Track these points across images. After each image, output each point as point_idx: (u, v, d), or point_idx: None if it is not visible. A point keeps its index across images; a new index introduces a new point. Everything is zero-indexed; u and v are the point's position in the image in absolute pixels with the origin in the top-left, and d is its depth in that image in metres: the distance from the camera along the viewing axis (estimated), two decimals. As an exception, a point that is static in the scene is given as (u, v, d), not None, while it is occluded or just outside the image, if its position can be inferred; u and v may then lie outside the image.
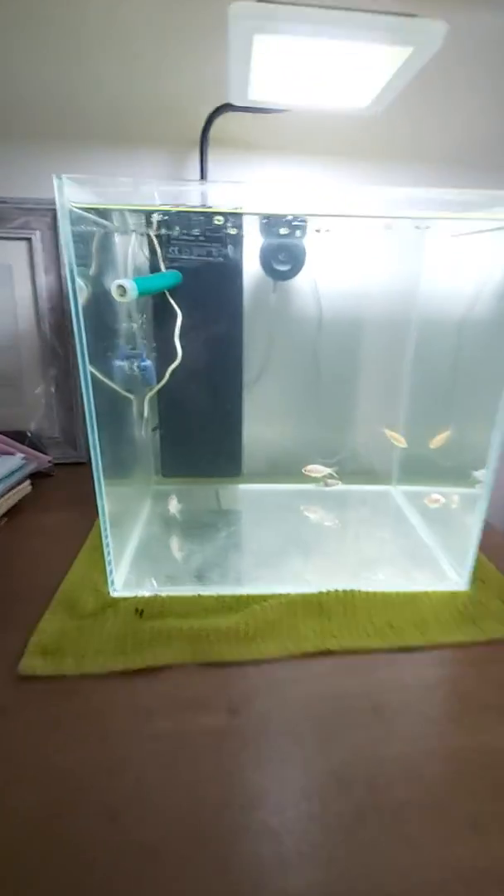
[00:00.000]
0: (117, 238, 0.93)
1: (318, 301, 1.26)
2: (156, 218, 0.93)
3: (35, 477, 1.24)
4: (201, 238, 0.97)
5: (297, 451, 1.32)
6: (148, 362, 1.03)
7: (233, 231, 0.97)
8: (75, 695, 0.60)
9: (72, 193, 0.65)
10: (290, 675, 0.70)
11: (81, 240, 0.71)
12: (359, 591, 0.85)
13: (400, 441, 1.16)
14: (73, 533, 1.02)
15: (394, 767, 0.52)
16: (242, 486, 1.29)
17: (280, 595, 0.79)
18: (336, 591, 0.84)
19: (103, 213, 0.85)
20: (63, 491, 1.22)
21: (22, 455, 1.24)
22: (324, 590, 0.82)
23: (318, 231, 1.00)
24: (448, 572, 0.88)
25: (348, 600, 0.83)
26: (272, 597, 0.79)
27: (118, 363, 1.01)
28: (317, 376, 1.32)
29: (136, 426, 1.09)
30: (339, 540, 1.03)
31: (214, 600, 0.84)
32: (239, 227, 0.97)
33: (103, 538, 0.83)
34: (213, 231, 0.97)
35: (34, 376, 1.36)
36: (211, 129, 1.22)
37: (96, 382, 0.77)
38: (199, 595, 0.85)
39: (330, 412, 1.34)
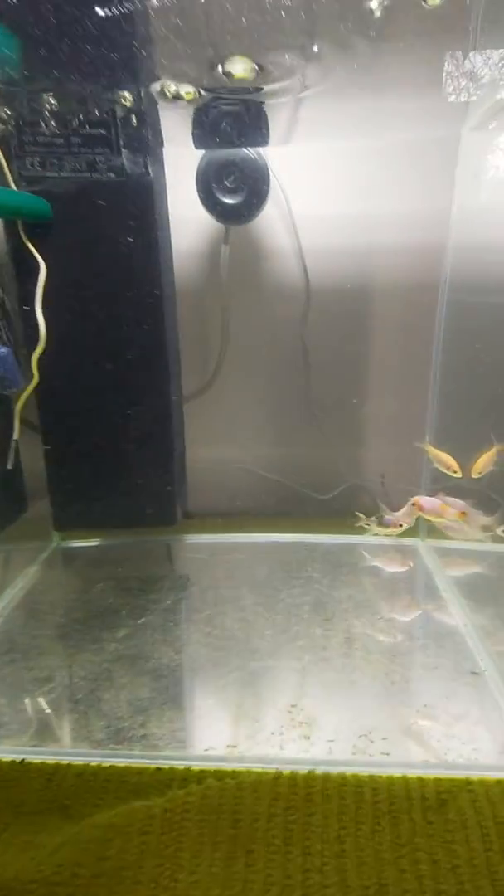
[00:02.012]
0: None
1: (301, 258, 0.88)
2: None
3: None
4: (73, 137, 0.62)
5: (276, 484, 0.94)
6: (4, 350, 0.69)
7: (131, 117, 0.62)
8: None
9: None
10: None
11: None
12: (326, 774, 0.44)
13: (451, 467, 0.74)
14: None
15: None
16: (189, 539, 0.91)
17: (172, 774, 0.46)
18: (296, 773, 0.44)
19: None
20: None
21: None
22: (272, 768, 0.43)
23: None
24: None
25: (318, 800, 0.43)
26: (155, 777, 0.46)
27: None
28: (304, 374, 0.93)
29: None
30: (322, 648, 0.62)
31: (44, 780, 0.46)
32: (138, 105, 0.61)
33: None
34: (97, 121, 0.62)
35: None
36: None
37: None
38: (23, 763, 0.47)
39: (325, 426, 0.94)
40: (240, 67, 0.63)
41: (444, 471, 0.74)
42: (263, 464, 0.97)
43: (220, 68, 0.61)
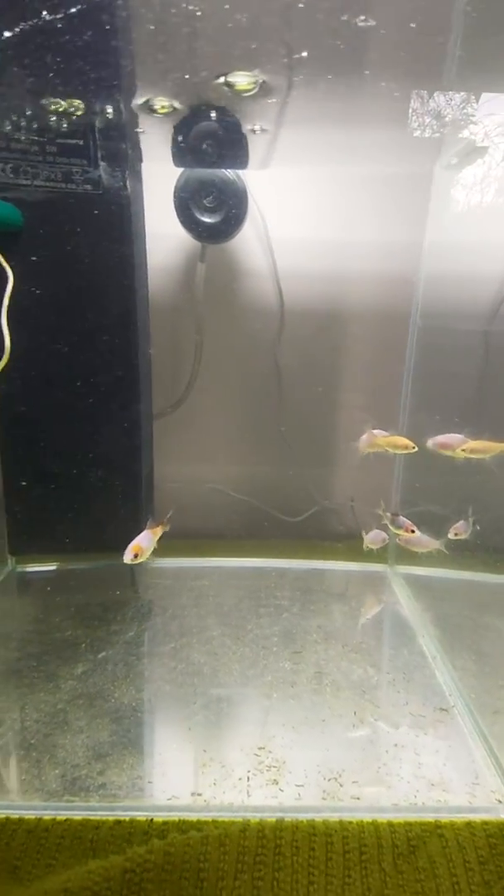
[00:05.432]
0: None
1: (277, 280, 0.88)
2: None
3: None
4: (49, 146, 0.60)
5: (246, 505, 0.93)
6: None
7: (110, 130, 0.61)
8: None
9: None
10: None
11: None
12: (295, 822, 0.43)
13: (406, 445, 0.68)
14: None
15: None
16: (154, 563, 0.88)
17: (132, 826, 0.43)
18: (264, 823, 0.43)
19: None
20: None
21: None
22: (239, 817, 0.42)
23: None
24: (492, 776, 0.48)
25: (287, 853, 0.41)
26: (114, 831, 0.43)
27: None
28: (277, 395, 0.93)
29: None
30: (291, 684, 0.61)
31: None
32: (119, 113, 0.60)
33: None
34: (73, 132, 0.60)
35: None
36: None
37: None
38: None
39: (296, 448, 0.94)
40: (244, 79, 0.60)
41: (404, 451, 0.69)
42: (234, 484, 0.96)
43: (221, 79, 0.59)
